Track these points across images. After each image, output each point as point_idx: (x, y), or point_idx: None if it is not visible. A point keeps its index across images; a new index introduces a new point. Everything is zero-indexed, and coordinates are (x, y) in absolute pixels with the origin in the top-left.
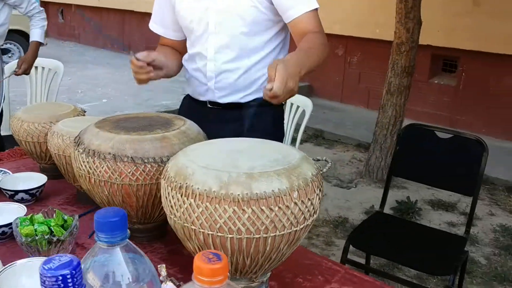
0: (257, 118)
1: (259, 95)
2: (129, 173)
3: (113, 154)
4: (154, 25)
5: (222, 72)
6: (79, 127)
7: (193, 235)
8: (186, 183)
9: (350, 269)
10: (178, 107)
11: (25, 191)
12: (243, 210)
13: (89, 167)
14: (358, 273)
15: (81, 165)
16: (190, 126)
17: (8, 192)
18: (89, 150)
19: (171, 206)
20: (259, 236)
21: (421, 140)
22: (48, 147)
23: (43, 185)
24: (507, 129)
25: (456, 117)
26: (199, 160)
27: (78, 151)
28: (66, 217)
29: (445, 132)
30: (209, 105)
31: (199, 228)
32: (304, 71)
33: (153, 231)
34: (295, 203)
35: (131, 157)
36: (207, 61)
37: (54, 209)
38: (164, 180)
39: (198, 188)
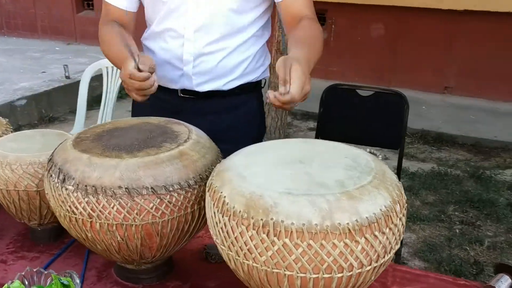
0: (241, 108)
1: (243, 81)
2: (151, 208)
3: (125, 188)
4: None
5: (203, 55)
6: (27, 149)
7: (285, 282)
8: (272, 219)
9: (396, 265)
10: (42, 88)
11: None
12: (356, 241)
13: (91, 210)
14: (407, 268)
15: (75, 209)
16: (196, 131)
17: None
18: (85, 186)
19: (248, 250)
20: (370, 267)
21: (344, 100)
22: None
23: None
24: (377, 76)
25: (330, 69)
26: (269, 184)
27: (66, 188)
28: (65, 280)
29: (366, 90)
30: (181, 94)
31: (297, 273)
32: (311, 69)
33: (162, 267)
34: (400, 219)
35: (151, 188)
36: (184, 40)
37: (41, 270)
38: (227, 216)
39: (292, 224)
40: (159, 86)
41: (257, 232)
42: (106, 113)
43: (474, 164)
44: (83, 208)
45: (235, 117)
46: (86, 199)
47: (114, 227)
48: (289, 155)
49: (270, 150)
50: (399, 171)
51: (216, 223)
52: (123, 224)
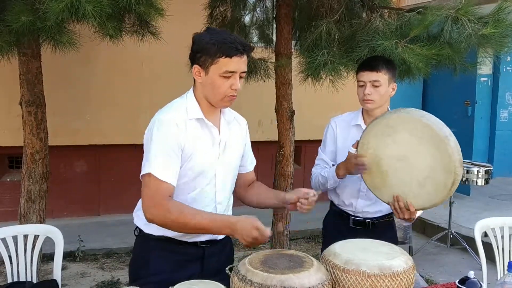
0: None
1: None
2: None
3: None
4: (167, 175)
5: (226, 208)
6: None
7: None
8: None
9: None
10: None
11: None
12: None
13: None
14: None
15: None
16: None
17: None
18: None
19: None
20: None
21: None
22: None
23: None
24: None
25: None
26: None
27: None
28: None
29: None
30: (201, 245)
31: None
32: None
33: None
34: None
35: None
36: (216, 204)
37: None
38: None
39: None
40: (178, 241)
41: None
42: None
43: None
44: None
45: (229, 252)
46: None
47: None
48: None
49: None
50: None
51: None
52: None
